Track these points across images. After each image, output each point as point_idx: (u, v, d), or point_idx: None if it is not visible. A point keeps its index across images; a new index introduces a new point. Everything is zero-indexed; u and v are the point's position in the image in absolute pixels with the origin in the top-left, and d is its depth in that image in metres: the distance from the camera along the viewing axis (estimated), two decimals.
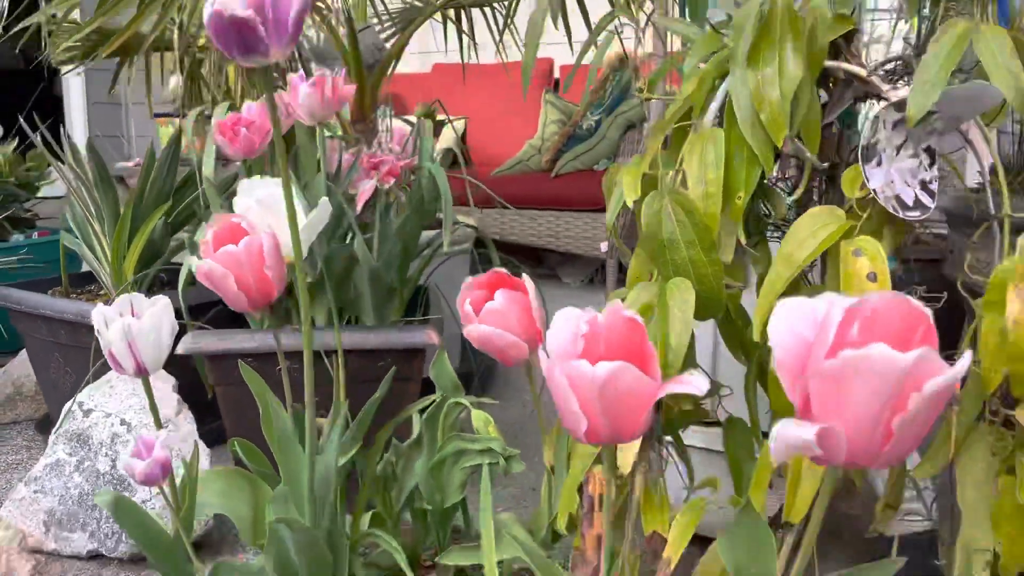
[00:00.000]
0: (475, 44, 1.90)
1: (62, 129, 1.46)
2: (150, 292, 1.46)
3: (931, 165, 0.67)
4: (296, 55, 1.92)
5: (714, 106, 0.69)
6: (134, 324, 0.69)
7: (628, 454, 0.68)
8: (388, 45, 1.82)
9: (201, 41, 1.59)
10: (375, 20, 1.80)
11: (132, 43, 1.53)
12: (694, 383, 0.43)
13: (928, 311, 0.35)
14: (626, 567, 0.72)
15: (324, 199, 0.76)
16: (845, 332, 0.36)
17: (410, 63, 3.71)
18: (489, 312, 0.63)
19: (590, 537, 0.69)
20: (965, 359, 0.34)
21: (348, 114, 1.71)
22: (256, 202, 0.74)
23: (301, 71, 1.07)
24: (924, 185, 0.67)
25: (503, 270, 0.66)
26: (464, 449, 0.93)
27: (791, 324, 0.37)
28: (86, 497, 1.09)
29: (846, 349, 0.34)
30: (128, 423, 1.09)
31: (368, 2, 1.73)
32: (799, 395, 0.36)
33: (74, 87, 3.66)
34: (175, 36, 1.34)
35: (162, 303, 0.71)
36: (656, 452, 0.77)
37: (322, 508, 0.73)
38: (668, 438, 0.91)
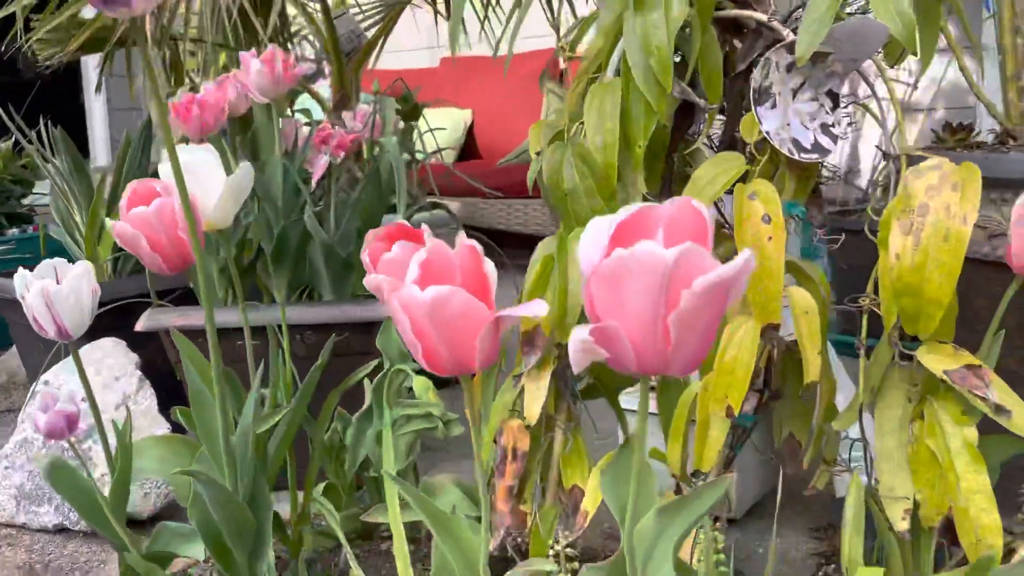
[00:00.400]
0: (467, 35, 1.90)
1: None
2: (131, 276, 1.50)
3: (833, 108, 0.67)
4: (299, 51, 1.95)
5: (615, 58, 0.69)
6: (52, 288, 0.71)
7: (534, 406, 0.68)
8: (369, 33, 1.84)
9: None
10: (354, 8, 1.82)
11: (108, 36, 1.57)
12: (531, 307, 0.44)
13: (707, 213, 0.35)
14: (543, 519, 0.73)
15: (245, 163, 0.78)
16: (630, 236, 0.36)
17: (419, 58, 3.74)
18: (385, 262, 0.64)
19: (501, 488, 0.70)
20: (744, 255, 0.34)
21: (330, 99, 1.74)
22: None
23: (253, 51, 1.09)
24: (825, 128, 0.66)
25: (403, 222, 0.66)
26: (408, 415, 0.94)
27: (595, 237, 0.38)
28: None
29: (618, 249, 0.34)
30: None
31: None
32: (588, 302, 0.36)
33: (95, 94, 3.74)
34: (146, 25, 1.37)
35: (81, 268, 0.73)
36: (575, 408, 0.77)
37: (242, 468, 0.74)
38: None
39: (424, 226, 0.66)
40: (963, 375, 0.60)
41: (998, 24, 0.97)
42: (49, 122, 1.49)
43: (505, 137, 3.29)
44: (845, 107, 0.69)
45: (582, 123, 0.71)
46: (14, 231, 1.86)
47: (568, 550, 0.64)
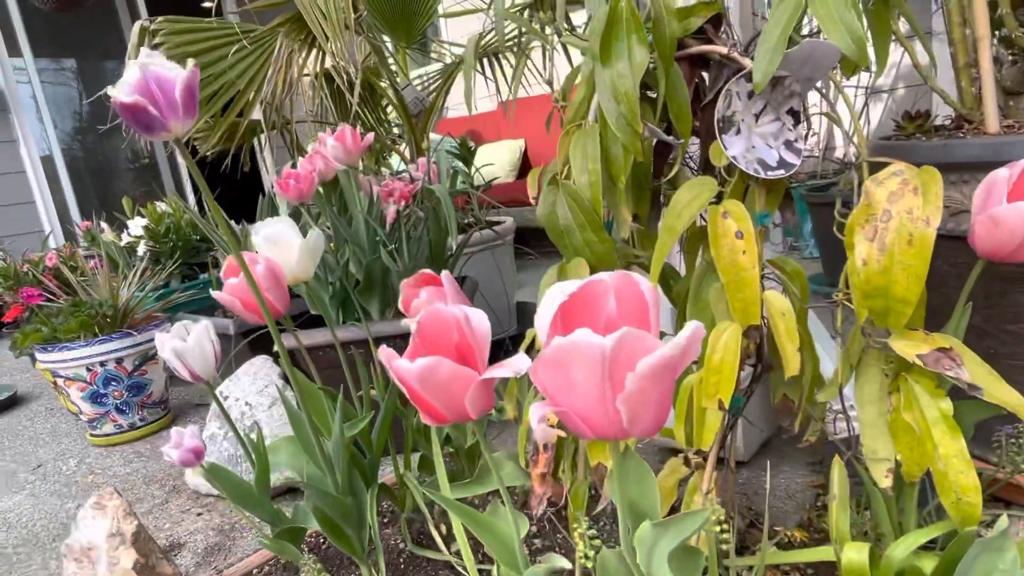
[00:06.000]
0: (498, 86, 1.78)
1: None
2: None
3: (795, 125, 0.54)
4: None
5: (594, 104, 0.58)
6: (179, 345, 0.66)
7: None
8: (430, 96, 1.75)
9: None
10: (416, 80, 1.73)
11: (246, 129, 1.54)
12: (512, 365, 0.34)
13: (647, 286, 0.25)
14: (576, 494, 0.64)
15: (315, 230, 0.71)
16: (572, 316, 0.26)
17: (485, 104, 3.66)
18: (416, 305, 0.56)
19: (535, 474, 0.61)
20: (688, 329, 0.24)
21: (407, 153, 1.67)
22: (262, 239, 0.69)
23: (329, 130, 1.03)
24: (789, 145, 0.53)
25: (429, 271, 0.58)
26: None
27: (545, 312, 0.28)
28: (231, 456, 1.10)
29: (558, 336, 0.24)
30: (250, 403, 1.10)
31: (407, 67, 1.66)
32: (538, 382, 0.27)
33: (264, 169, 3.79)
34: (261, 116, 1.32)
35: (202, 326, 0.68)
36: None
37: (337, 467, 0.68)
38: None
39: (446, 274, 0.57)
40: (936, 357, 0.47)
41: (947, 18, 0.79)
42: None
43: (551, 155, 3.17)
44: (804, 119, 0.55)
45: (565, 165, 0.60)
46: (204, 276, 1.88)
47: (591, 531, 0.54)
